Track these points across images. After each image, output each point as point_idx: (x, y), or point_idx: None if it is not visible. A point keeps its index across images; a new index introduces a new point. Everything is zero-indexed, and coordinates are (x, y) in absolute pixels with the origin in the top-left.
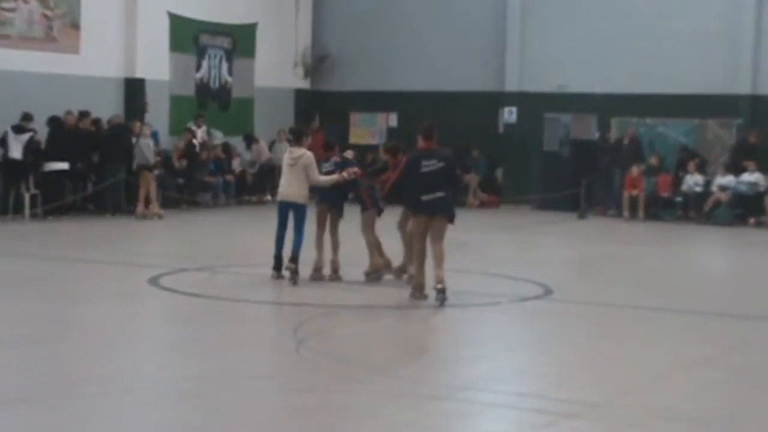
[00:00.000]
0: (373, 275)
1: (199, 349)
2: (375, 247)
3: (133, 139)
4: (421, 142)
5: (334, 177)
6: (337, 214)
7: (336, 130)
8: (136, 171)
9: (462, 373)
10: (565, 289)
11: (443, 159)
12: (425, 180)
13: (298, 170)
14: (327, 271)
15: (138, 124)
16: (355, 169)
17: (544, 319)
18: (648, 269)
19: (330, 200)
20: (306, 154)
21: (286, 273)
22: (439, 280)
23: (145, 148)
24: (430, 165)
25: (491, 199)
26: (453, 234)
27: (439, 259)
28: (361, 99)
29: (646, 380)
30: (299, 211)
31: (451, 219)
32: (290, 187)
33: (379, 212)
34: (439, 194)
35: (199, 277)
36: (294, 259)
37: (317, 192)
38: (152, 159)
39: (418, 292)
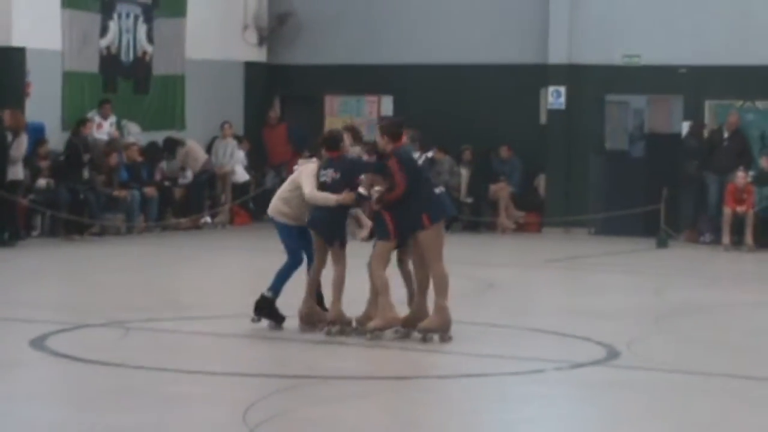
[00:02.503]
0: (377, 331)
1: None
2: (384, 291)
3: (9, 137)
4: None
5: (334, 197)
6: (337, 245)
7: (305, 120)
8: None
9: None
10: (637, 351)
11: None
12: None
13: (291, 179)
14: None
15: (7, 112)
16: (376, 187)
17: (606, 395)
18: (759, 323)
19: (319, 228)
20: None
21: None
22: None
23: (14, 150)
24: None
25: (530, 220)
26: (475, 271)
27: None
28: (340, 76)
29: None
30: (278, 230)
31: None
32: (274, 198)
33: (402, 242)
34: None
35: (106, 336)
36: (262, 297)
37: (310, 214)
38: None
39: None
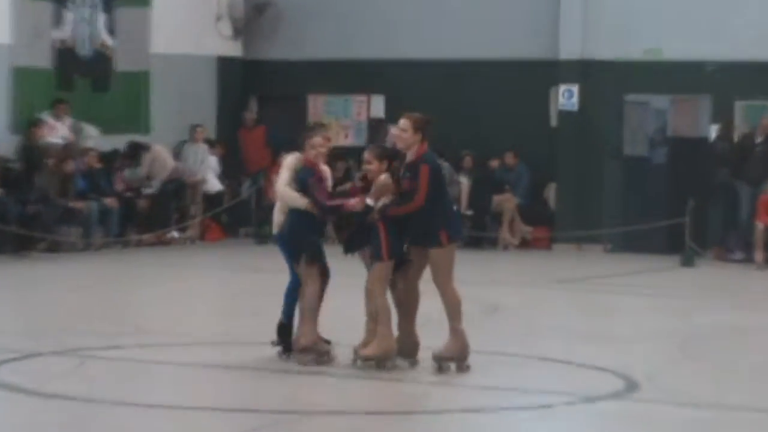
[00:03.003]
0: (368, 360)
1: None
2: (384, 319)
3: None
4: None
5: (304, 201)
6: (305, 260)
7: (285, 122)
8: None
9: None
10: (659, 383)
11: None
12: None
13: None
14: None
15: None
16: (356, 200)
17: None
18: None
19: (281, 241)
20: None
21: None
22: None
23: None
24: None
25: (539, 235)
26: (478, 292)
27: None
28: (325, 73)
29: None
30: (278, 246)
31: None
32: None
33: (402, 262)
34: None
35: (60, 365)
36: (281, 326)
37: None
38: None
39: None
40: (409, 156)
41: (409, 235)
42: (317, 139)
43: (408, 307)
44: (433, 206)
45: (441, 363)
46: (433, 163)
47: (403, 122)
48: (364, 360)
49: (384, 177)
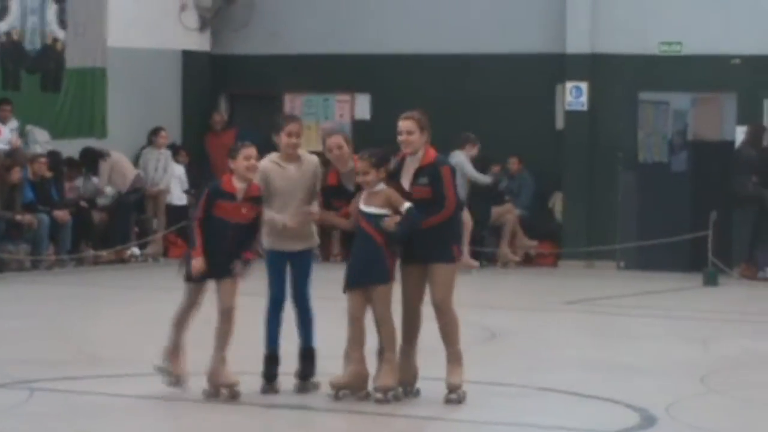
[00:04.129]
0: (389, 391)
1: None
2: (392, 346)
3: None
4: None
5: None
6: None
7: (259, 125)
8: None
9: None
10: (679, 417)
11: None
12: None
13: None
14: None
15: None
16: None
17: None
18: None
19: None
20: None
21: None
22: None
23: None
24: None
25: (544, 251)
26: (476, 316)
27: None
28: (303, 69)
29: None
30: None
31: None
32: None
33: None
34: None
35: (5, 399)
36: (303, 358)
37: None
38: None
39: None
40: (419, 160)
41: (415, 251)
42: (247, 150)
43: (410, 333)
44: (452, 215)
45: (456, 391)
46: (450, 164)
47: (407, 124)
48: (384, 392)
49: (387, 189)
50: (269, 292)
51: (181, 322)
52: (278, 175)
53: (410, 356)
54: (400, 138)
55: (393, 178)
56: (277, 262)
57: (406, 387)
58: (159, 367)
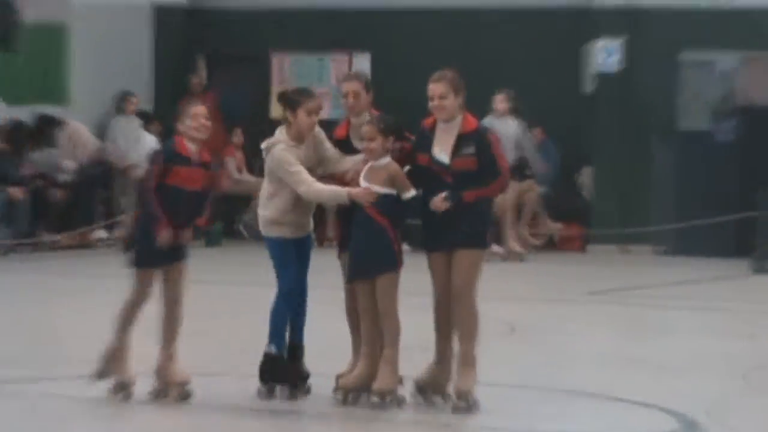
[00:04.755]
0: (387, 395)
1: None
2: (396, 342)
3: None
4: None
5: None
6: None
7: (242, 89)
8: None
9: None
10: (722, 421)
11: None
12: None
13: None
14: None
15: None
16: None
17: None
18: None
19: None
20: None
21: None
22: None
23: None
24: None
25: (570, 233)
26: (493, 308)
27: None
28: (293, 26)
29: None
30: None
31: None
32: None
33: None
34: None
35: None
36: (264, 356)
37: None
38: None
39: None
40: (456, 127)
41: (445, 234)
42: (195, 109)
43: (446, 328)
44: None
45: (466, 398)
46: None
47: (438, 87)
48: (381, 395)
49: (392, 165)
50: (280, 284)
51: (129, 319)
52: (299, 158)
53: (446, 356)
54: (432, 104)
55: (421, 149)
56: (286, 251)
57: (440, 393)
58: (100, 371)
